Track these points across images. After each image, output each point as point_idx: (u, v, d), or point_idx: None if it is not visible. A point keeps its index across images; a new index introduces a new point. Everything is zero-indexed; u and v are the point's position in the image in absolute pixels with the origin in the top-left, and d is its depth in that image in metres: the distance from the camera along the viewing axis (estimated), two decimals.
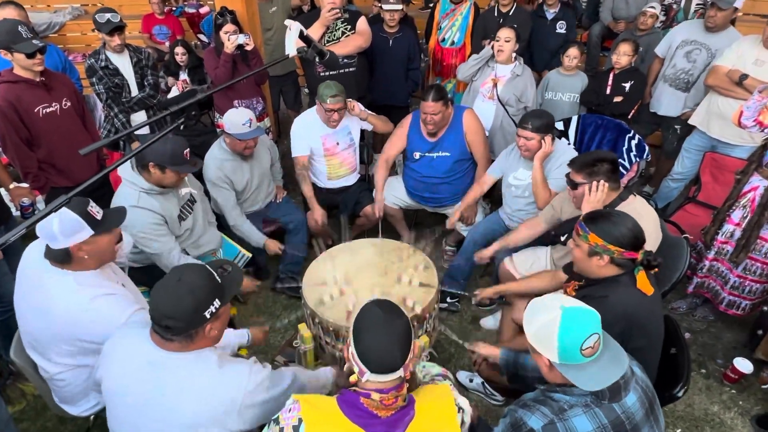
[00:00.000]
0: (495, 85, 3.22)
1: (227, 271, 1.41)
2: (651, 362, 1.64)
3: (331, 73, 3.21)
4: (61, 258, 1.56)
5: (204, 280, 1.31)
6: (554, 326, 1.21)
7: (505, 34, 3.14)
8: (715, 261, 2.52)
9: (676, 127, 3.50)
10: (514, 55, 3.21)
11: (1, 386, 2.40)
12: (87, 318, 1.55)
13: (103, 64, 2.99)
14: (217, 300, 1.31)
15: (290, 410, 1.21)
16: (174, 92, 4.39)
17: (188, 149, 2.16)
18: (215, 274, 1.35)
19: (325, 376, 1.71)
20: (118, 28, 2.93)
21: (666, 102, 3.44)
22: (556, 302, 1.26)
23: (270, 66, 2.14)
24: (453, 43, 4.00)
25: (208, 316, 1.29)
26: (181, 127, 1.22)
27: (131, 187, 2.17)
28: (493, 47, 3.19)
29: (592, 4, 4.89)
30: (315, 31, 3.11)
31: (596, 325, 1.23)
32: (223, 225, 2.79)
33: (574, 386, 1.25)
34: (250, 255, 2.72)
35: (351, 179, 3.21)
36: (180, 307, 1.25)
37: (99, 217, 1.58)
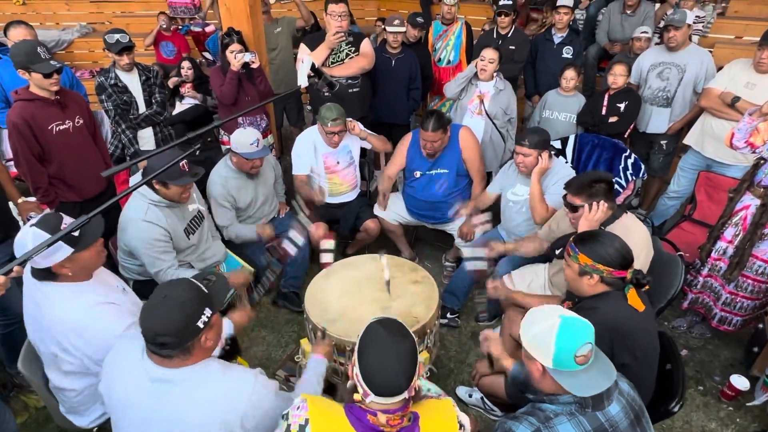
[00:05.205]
0: (482, 101, 3.32)
1: (211, 281, 1.41)
2: (643, 379, 1.67)
3: (333, 92, 3.29)
4: (45, 276, 1.58)
5: (190, 292, 1.30)
6: (552, 333, 1.27)
7: (490, 54, 3.25)
8: (709, 277, 2.57)
9: (662, 142, 3.59)
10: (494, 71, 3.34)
11: (5, 398, 2.41)
12: (84, 324, 1.58)
13: (112, 82, 3.07)
14: (207, 309, 1.31)
15: (299, 408, 1.22)
16: (179, 108, 4.48)
17: (185, 161, 2.18)
18: (201, 285, 1.35)
19: (320, 387, 1.69)
20: (127, 48, 3.02)
21: (652, 120, 3.54)
22: (555, 312, 1.32)
23: (279, 97, 2.22)
24: (449, 62, 4.14)
25: (201, 326, 1.29)
26: (197, 153, 1.28)
27: (140, 198, 2.23)
28: (476, 65, 3.31)
29: (589, 25, 5.02)
30: (320, 54, 3.20)
31: (591, 335, 1.30)
32: (226, 240, 2.84)
33: (560, 395, 1.30)
34: (253, 270, 2.76)
35: (351, 195, 3.27)
36: (171, 323, 1.25)
37: (77, 233, 1.54)
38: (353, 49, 3.30)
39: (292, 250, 2.40)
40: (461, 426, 1.28)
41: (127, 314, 1.65)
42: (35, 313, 1.65)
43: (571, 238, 1.76)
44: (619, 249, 1.64)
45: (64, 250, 1.53)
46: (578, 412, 1.28)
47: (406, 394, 1.19)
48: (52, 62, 2.36)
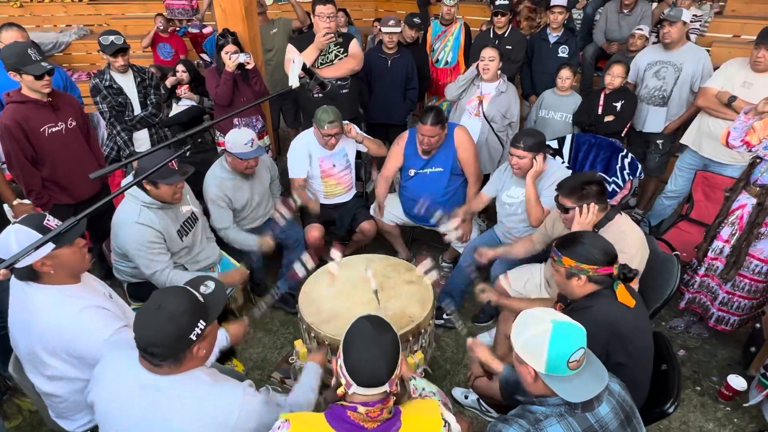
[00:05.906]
0: (480, 102, 3.31)
1: (209, 287, 1.38)
2: (638, 378, 1.67)
3: (324, 92, 3.28)
4: (28, 275, 1.55)
5: (185, 304, 1.28)
6: (545, 339, 1.26)
7: (489, 53, 3.24)
8: (706, 277, 2.56)
9: (658, 142, 3.58)
10: (498, 72, 3.30)
11: None
12: (73, 329, 1.56)
13: (107, 83, 3.06)
14: (201, 321, 1.29)
15: (279, 428, 1.23)
16: (175, 110, 4.48)
17: (174, 159, 2.15)
18: (197, 295, 1.32)
19: (315, 394, 1.68)
20: (122, 50, 3.01)
21: (649, 119, 3.52)
22: (547, 316, 1.31)
23: (273, 97, 2.21)
24: (447, 63, 4.13)
25: (194, 338, 1.27)
26: (187, 153, 1.27)
27: (133, 201, 2.22)
28: (478, 66, 3.29)
29: (586, 25, 5.02)
30: (309, 55, 3.19)
31: (583, 339, 1.29)
32: (221, 241, 2.83)
33: (550, 397, 1.30)
34: (248, 271, 2.75)
35: (347, 196, 3.26)
36: (163, 335, 1.23)
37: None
38: (342, 50, 3.29)
39: (301, 273, 2.42)
40: (446, 423, 1.28)
41: (114, 319, 1.63)
42: (22, 317, 1.62)
43: (553, 244, 1.76)
44: (599, 246, 1.65)
45: (44, 247, 1.48)
46: (568, 414, 1.28)
47: (387, 387, 1.23)
48: (43, 64, 2.35)
